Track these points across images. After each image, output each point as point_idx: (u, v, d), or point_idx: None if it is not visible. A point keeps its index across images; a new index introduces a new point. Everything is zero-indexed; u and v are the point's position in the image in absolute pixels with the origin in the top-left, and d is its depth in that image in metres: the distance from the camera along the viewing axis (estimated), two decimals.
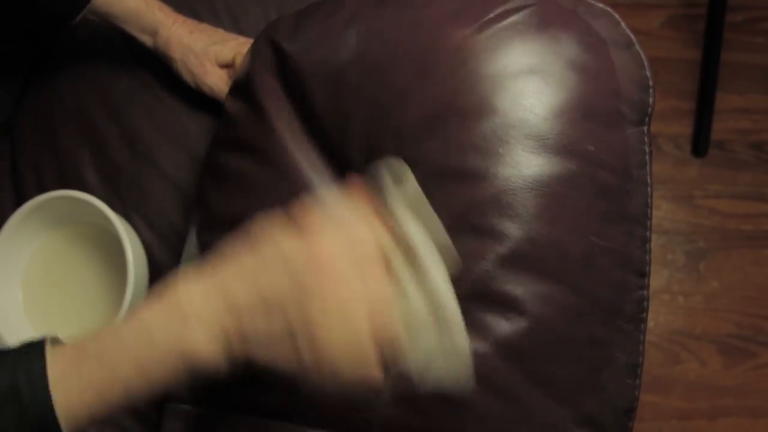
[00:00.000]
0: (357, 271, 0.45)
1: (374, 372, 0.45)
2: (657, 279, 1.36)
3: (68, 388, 0.45)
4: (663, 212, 1.39)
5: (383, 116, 0.60)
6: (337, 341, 0.44)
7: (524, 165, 0.57)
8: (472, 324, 0.55)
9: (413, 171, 0.50)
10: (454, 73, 0.60)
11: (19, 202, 0.89)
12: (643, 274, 0.60)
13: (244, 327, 0.45)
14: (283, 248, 0.46)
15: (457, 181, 0.57)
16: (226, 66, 0.86)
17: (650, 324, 1.34)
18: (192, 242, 0.71)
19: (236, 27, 0.94)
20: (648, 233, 0.61)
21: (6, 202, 0.91)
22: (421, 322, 0.45)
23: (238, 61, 0.84)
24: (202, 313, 0.45)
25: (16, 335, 0.80)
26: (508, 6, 0.62)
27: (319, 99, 0.65)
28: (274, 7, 0.95)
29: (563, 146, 0.58)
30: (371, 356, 0.45)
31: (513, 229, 0.56)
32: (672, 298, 1.36)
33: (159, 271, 0.84)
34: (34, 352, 0.46)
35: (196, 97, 0.88)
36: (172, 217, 0.87)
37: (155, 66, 0.89)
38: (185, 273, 0.47)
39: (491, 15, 0.62)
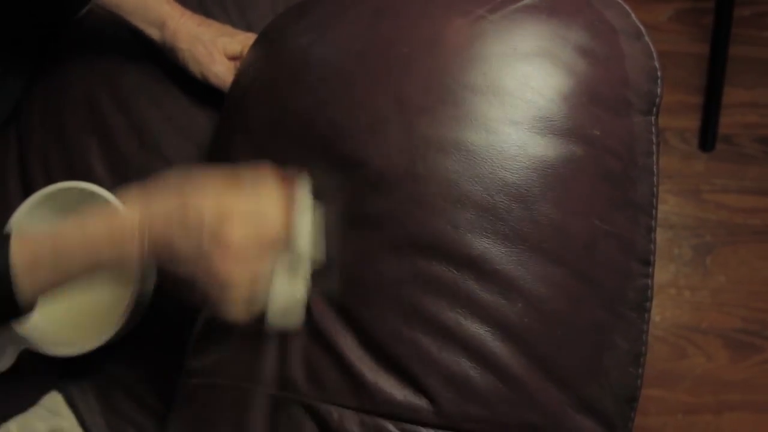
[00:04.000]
0: (256, 245, 0.59)
1: (239, 310, 0.60)
2: (663, 273, 1.36)
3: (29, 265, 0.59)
4: (670, 206, 1.39)
5: (386, 84, 0.61)
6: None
7: (530, 145, 0.57)
8: (472, 303, 0.56)
9: (414, 141, 0.59)
10: (464, 51, 0.60)
11: (26, 192, 0.90)
12: (648, 263, 0.60)
13: (164, 234, 0.59)
14: (205, 203, 0.59)
15: (460, 156, 0.57)
16: (234, 58, 0.86)
17: (656, 318, 1.34)
18: None
19: (244, 20, 0.95)
20: (653, 222, 0.61)
21: (13, 192, 0.92)
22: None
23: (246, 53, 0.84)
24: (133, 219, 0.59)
25: (24, 326, 0.80)
26: None
27: (323, 70, 0.65)
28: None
29: (569, 129, 0.58)
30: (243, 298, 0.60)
31: (516, 209, 0.56)
32: (678, 293, 1.35)
33: None
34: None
35: (204, 89, 0.88)
36: None
37: (163, 58, 0.90)
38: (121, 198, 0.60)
39: None
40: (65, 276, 0.61)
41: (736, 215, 1.38)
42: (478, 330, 0.55)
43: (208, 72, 0.86)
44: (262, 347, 0.63)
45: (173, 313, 0.78)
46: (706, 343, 1.33)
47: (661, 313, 1.34)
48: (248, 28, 0.91)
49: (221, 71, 0.86)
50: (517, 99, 0.58)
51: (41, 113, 0.94)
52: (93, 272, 0.61)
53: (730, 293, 1.35)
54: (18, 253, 0.58)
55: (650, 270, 0.60)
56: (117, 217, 0.61)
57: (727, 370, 1.32)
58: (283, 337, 0.63)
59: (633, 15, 0.65)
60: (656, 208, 0.61)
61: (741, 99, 1.43)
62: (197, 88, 0.89)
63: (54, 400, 0.84)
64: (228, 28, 0.89)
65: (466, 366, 0.55)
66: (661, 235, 1.38)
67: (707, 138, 1.41)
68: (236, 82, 0.78)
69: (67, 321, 0.84)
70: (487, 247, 0.56)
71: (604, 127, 0.59)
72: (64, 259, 0.60)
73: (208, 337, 0.69)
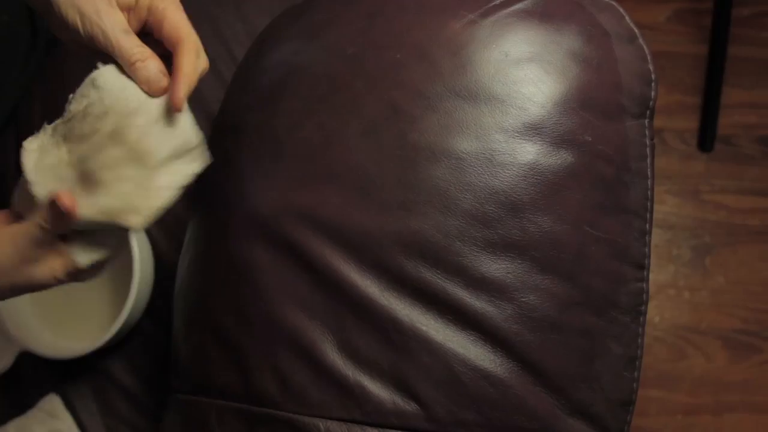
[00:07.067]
0: None
1: None
2: (663, 274, 1.36)
3: None
4: (669, 207, 1.39)
5: (378, 90, 0.61)
6: None
7: (520, 153, 0.57)
8: (461, 309, 0.56)
9: (405, 148, 0.58)
10: (455, 56, 0.60)
11: None
12: (642, 266, 0.60)
13: None
14: None
15: (450, 164, 0.57)
16: (129, 9, 0.62)
17: (656, 319, 1.34)
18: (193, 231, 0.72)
19: (239, 12, 0.94)
20: (648, 226, 0.61)
21: (12, 194, 0.92)
22: None
23: (144, 2, 0.60)
24: None
25: (22, 328, 0.81)
26: None
27: (314, 73, 0.65)
28: None
29: (560, 136, 0.58)
30: None
31: (505, 217, 0.56)
32: (678, 293, 1.35)
33: (164, 263, 0.85)
34: None
35: (203, 91, 0.88)
36: (177, 209, 0.87)
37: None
38: None
39: (497, 1, 0.62)
40: None
41: (736, 216, 1.38)
42: (467, 336, 0.55)
43: (93, 27, 0.60)
44: (220, 358, 0.62)
45: (171, 315, 0.78)
46: (705, 344, 1.33)
47: (660, 314, 1.35)
48: (243, 22, 0.90)
49: (109, 27, 0.59)
50: (508, 106, 0.58)
51: (40, 115, 0.94)
52: None
53: (730, 294, 1.35)
54: None
55: (645, 273, 0.60)
56: None
57: (726, 370, 1.32)
58: (238, 341, 0.61)
59: (627, 17, 0.64)
60: (651, 212, 0.61)
61: (740, 99, 1.43)
62: (196, 91, 0.89)
63: (52, 402, 0.84)
64: None
65: (456, 371, 0.55)
66: (660, 236, 1.38)
67: (706, 138, 1.41)
68: (232, 81, 0.78)
69: (65, 323, 0.84)
70: (477, 254, 0.56)
71: (595, 132, 0.59)
72: None
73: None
